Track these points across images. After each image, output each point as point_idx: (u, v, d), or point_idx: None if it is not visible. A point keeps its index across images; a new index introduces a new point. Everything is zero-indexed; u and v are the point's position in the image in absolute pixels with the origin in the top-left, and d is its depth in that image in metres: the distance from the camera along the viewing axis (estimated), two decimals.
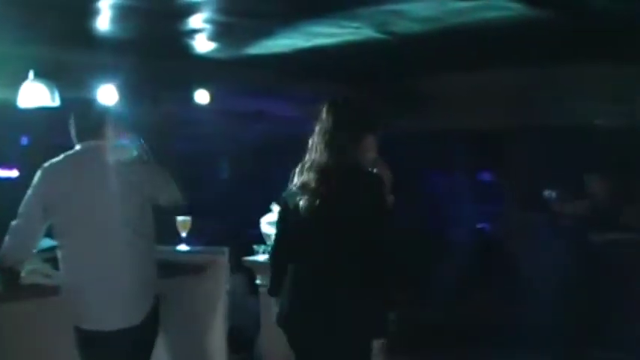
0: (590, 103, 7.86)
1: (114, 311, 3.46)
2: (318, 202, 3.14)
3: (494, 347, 6.46)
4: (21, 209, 3.49)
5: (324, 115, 3.31)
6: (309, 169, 3.24)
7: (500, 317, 7.34)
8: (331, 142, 3.22)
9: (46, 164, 3.54)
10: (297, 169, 3.31)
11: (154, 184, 3.65)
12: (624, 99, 7.64)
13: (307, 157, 3.31)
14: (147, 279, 3.58)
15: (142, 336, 3.58)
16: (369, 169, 3.36)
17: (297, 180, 3.29)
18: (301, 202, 3.18)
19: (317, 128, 3.30)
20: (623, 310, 5.96)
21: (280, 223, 3.42)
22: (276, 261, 3.42)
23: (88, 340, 3.49)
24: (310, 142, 3.32)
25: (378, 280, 3.12)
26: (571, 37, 6.77)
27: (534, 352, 6.20)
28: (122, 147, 3.63)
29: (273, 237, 3.55)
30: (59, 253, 3.54)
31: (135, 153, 3.67)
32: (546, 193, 6.31)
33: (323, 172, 3.18)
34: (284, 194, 3.38)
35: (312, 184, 3.18)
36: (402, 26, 6.32)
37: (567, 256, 6.45)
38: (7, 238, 3.49)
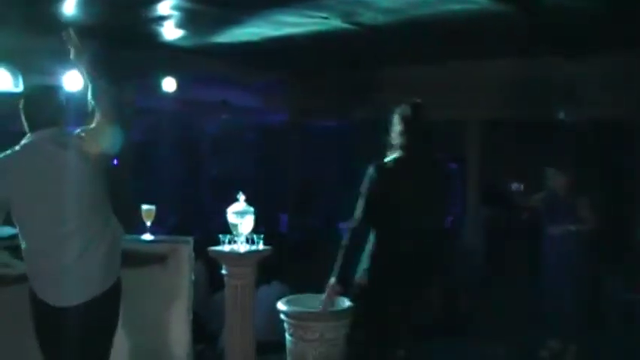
0: (554, 97, 7.98)
1: (74, 287, 3.44)
2: (412, 186, 3.76)
3: (451, 338, 6.53)
4: None
5: (410, 115, 3.89)
6: (403, 161, 3.81)
7: (457, 308, 7.44)
8: (420, 138, 3.85)
9: (0, 156, 3.48)
10: (388, 161, 3.84)
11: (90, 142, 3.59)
12: (585, 94, 7.77)
13: (397, 151, 3.85)
14: (107, 255, 3.55)
15: (103, 309, 3.55)
16: None
17: (390, 168, 3.82)
18: (399, 187, 3.76)
19: (402, 127, 3.87)
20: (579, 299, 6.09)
21: (369, 200, 3.82)
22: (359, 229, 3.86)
23: (47, 318, 3.46)
24: (397, 137, 3.88)
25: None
26: (533, 33, 6.87)
27: (490, 341, 6.30)
28: (74, 134, 3.58)
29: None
30: (20, 238, 3.51)
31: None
32: (514, 186, 6.37)
33: (417, 162, 3.82)
34: (373, 184, 3.80)
35: (406, 173, 3.79)
36: (367, 17, 6.35)
37: (527, 247, 6.53)
38: None
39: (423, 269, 3.84)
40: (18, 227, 3.51)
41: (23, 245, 3.49)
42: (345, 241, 3.86)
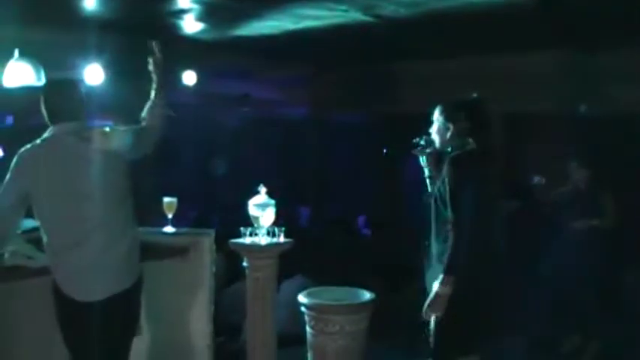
0: (577, 90, 7.92)
1: (97, 283, 3.46)
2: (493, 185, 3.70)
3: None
4: None
5: (486, 109, 3.79)
6: (487, 158, 3.69)
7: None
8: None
9: (22, 150, 3.50)
10: (469, 155, 3.65)
11: (123, 146, 3.62)
12: (608, 87, 7.71)
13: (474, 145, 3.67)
14: (129, 251, 3.58)
15: (125, 306, 3.58)
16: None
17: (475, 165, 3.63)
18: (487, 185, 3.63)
19: (480, 121, 3.71)
20: (601, 295, 6.06)
21: (476, 195, 3.55)
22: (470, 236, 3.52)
23: (70, 312, 3.48)
24: (467, 132, 3.69)
25: None
26: (556, 25, 6.81)
27: (512, 335, 6.27)
28: (97, 128, 3.61)
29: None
30: (42, 233, 3.53)
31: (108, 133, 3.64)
32: (536, 179, 6.34)
33: (494, 159, 3.74)
34: (475, 176, 3.59)
35: (490, 171, 3.69)
36: (389, 10, 6.32)
37: (548, 242, 6.50)
38: None
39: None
40: (39, 222, 3.52)
41: (45, 239, 3.50)
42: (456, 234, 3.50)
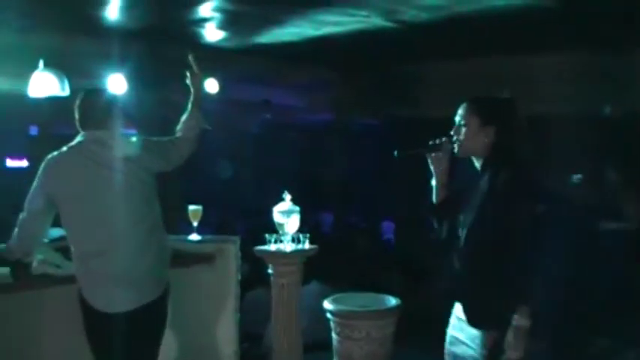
0: (601, 92, 7.86)
1: (121, 294, 3.47)
2: None
3: None
4: (26, 203, 3.51)
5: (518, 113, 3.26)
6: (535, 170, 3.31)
7: None
8: None
9: (49, 157, 3.54)
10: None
11: (152, 157, 3.65)
12: (629, 88, 7.65)
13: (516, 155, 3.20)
14: (154, 263, 3.59)
15: (150, 318, 3.58)
16: None
17: None
18: None
19: (513, 129, 3.23)
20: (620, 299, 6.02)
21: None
22: None
23: (95, 322, 3.50)
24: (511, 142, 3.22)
25: None
26: (578, 27, 6.77)
27: (536, 338, 6.22)
28: (124, 138, 3.63)
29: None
30: (68, 241, 3.55)
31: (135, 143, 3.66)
32: (575, 177, 6.31)
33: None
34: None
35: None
36: (410, 15, 6.32)
37: (567, 244, 6.46)
38: (15, 230, 3.52)
39: None
40: (65, 229, 3.55)
41: (72, 249, 3.53)
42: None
